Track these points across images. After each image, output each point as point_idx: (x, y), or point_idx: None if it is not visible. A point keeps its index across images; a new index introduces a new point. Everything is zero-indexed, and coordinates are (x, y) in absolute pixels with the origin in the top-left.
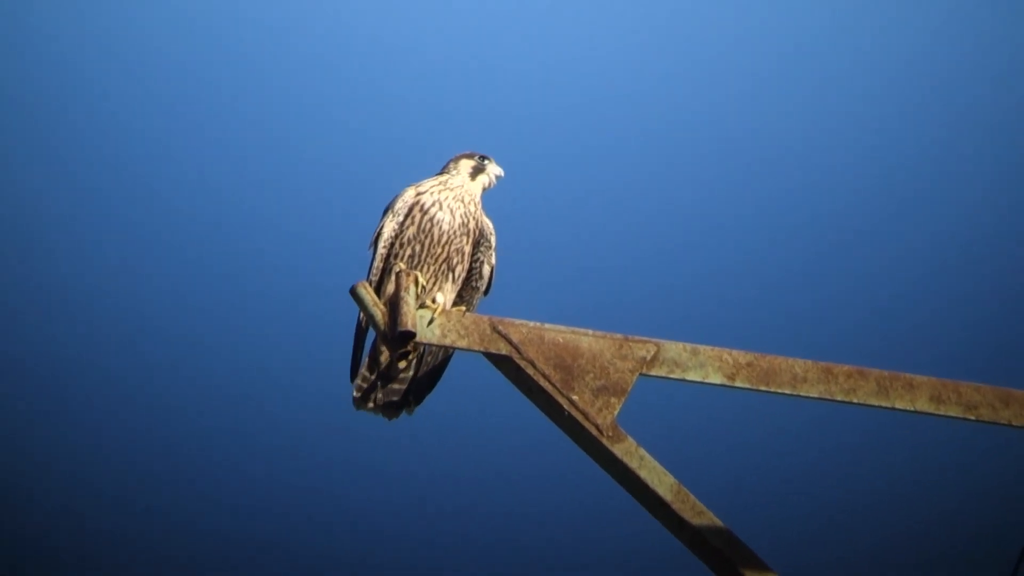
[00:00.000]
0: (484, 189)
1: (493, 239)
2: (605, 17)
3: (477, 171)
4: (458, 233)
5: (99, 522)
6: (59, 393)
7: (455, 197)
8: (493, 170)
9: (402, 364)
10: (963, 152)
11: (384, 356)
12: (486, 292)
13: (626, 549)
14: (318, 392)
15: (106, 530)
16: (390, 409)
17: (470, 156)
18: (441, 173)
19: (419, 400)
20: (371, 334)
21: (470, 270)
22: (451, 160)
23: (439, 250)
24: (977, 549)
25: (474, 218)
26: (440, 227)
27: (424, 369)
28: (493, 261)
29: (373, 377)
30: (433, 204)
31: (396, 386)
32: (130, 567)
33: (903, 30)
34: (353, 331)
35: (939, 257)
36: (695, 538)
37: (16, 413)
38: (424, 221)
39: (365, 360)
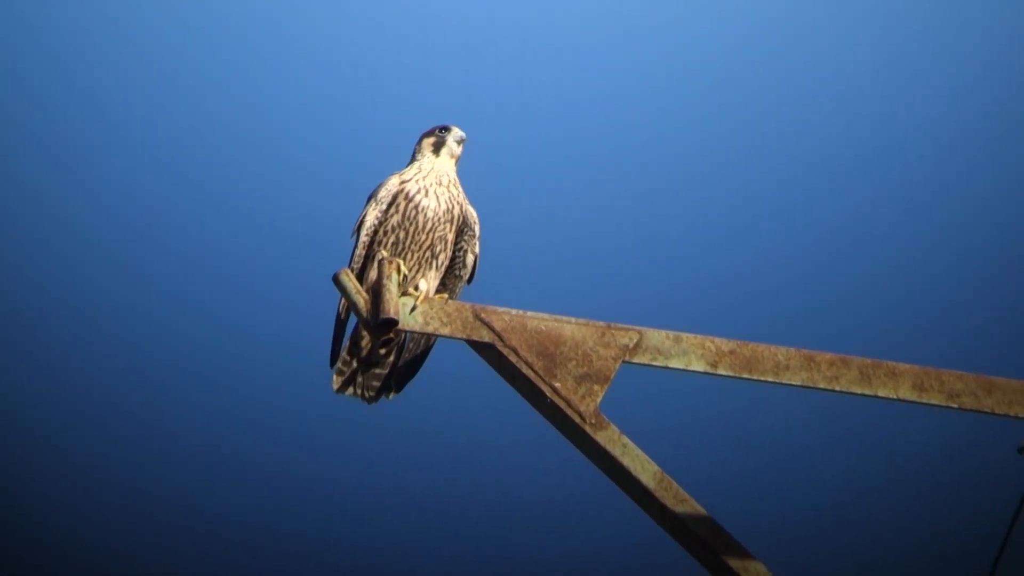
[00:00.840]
0: (454, 160)
1: (477, 228)
2: (589, 10)
3: (439, 145)
4: (442, 220)
5: (83, 516)
6: (41, 384)
7: (436, 181)
8: (452, 137)
9: (383, 351)
10: (946, 146)
11: (365, 343)
12: (469, 281)
13: (609, 537)
14: (298, 378)
15: (91, 524)
16: (369, 392)
17: (428, 133)
18: (412, 160)
19: (400, 388)
20: (352, 321)
21: (453, 258)
22: (416, 145)
23: (423, 237)
24: (961, 539)
25: (458, 203)
26: (424, 214)
27: (405, 357)
28: (477, 250)
29: (354, 363)
30: (418, 191)
31: (377, 371)
32: (112, 560)
33: (900, 31)
34: (333, 318)
35: (922, 245)
36: (678, 526)
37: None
38: (409, 209)
39: (346, 345)
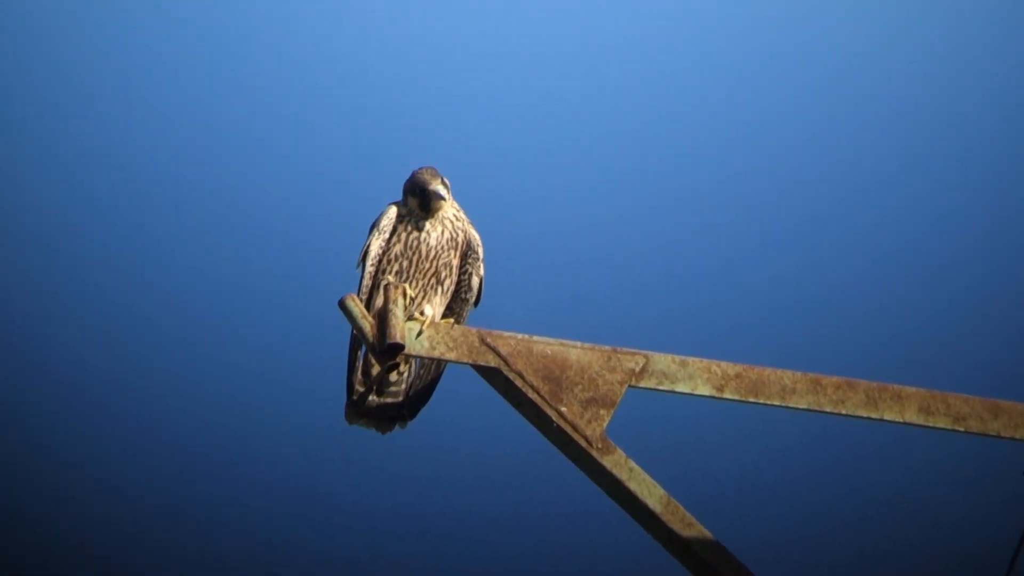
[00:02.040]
0: (443, 209)
1: (480, 250)
2: (594, 28)
3: (424, 205)
4: (445, 248)
5: (86, 531)
6: (44, 403)
7: (430, 223)
8: (432, 197)
9: (392, 376)
10: (955, 161)
11: (376, 369)
12: (476, 303)
13: (616, 561)
14: (313, 406)
15: (96, 536)
16: (383, 422)
17: (411, 191)
18: (405, 201)
19: (413, 414)
20: (362, 351)
21: (459, 282)
22: (404, 191)
23: (427, 265)
24: (967, 562)
25: (460, 230)
26: (427, 243)
27: (419, 383)
28: (482, 272)
29: (365, 390)
30: (417, 226)
31: (390, 400)
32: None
33: (894, 37)
34: (344, 347)
35: (929, 269)
36: (685, 550)
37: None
38: (410, 239)
39: (358, 374)
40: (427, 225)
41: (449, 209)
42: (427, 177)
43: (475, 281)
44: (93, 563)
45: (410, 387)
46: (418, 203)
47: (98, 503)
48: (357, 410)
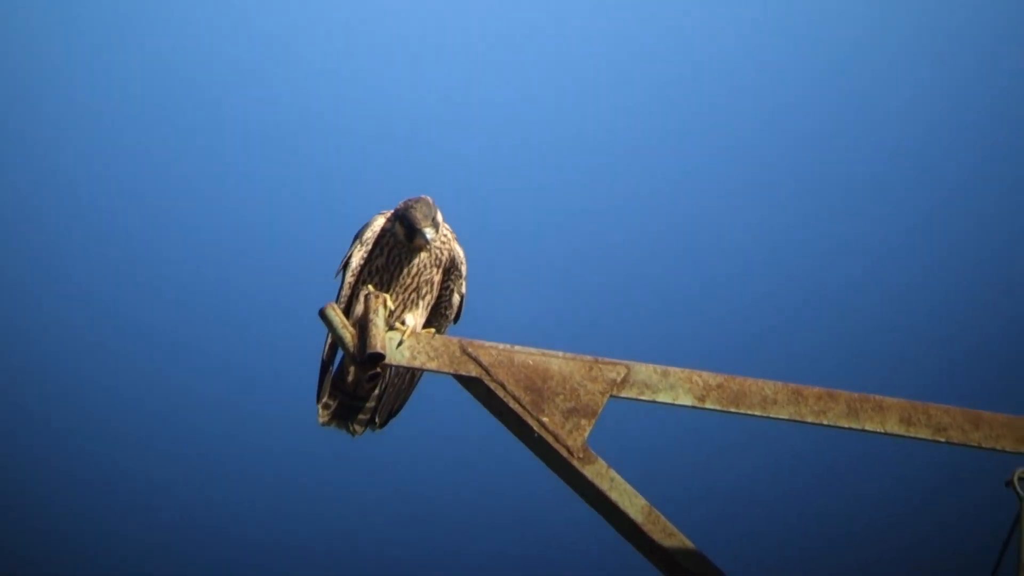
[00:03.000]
0: (428, 244)
1: (464, 268)
2: (576, 32)
3: (410, 236)
4: (428, 265)
5: (72, 539)
6: (34, 404)
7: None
8: (419, 238)
9: (367, 385)
10: (934, 176)
11: (351, 377)
12: (455, 320)
13: (596, 571)
14: (285, 413)
15: (80, 543)
16: (354, 424)
17: (401, 220)
18: (393, 222)
19: (384, 422)
20: (338, 356)
21: (439, 297)
22: (395, 217)
23: (409, 280)
24: (949, 573)
25: (446, 249)
26: (410, 260)
27: (391, 391)
28: (464, 290)
29: (339, 397)
30: (400, 242)
31: (360, 403)
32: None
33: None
34: (318, 353)
35: (909, 279)
36: (667, 560)
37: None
38: (393, 254)
39: (330, 381)
40: (414, 258)
41: (435, 238)
42: (418, 216)
43: (456, 299)
44: (85, 561)
45: (383, 393)
46: (404, 233)
47: (81, 504)
48: (329, 412)
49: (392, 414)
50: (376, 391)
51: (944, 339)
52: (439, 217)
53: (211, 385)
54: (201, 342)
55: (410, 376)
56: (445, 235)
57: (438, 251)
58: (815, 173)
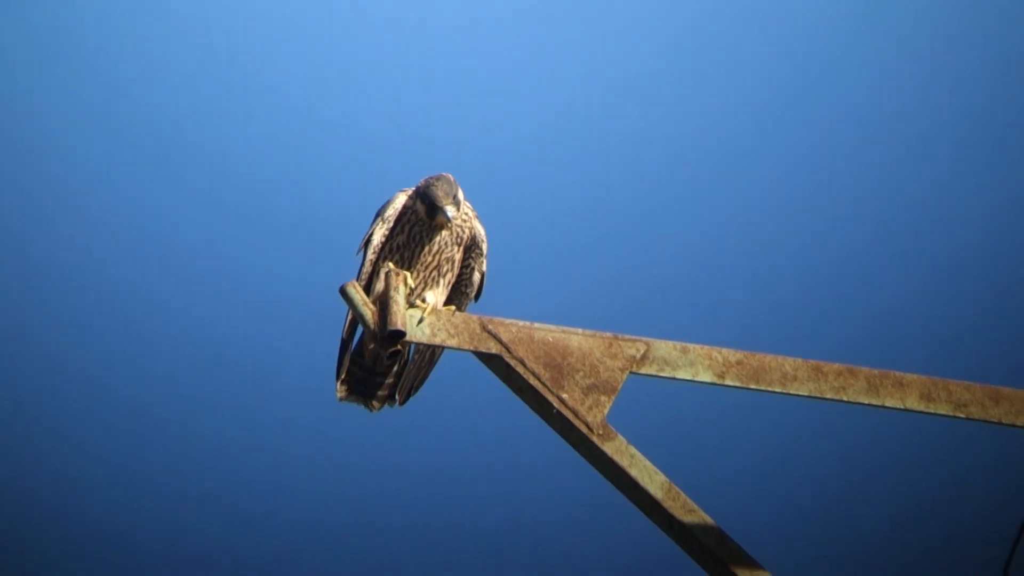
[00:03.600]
0: (449, 222)
1: (485, 246)
2: (594, 15)
3: (431, 214)
4: (449, 243)
5: (89, 522)
6: (54, 397)
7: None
8: (442, 215)
9: (389, 363)
10: (953, 154)
11: (370, 354)
12: (476, 298)
13: (617, 547)
14: (305, 390)
15: (96, 530)
16: (372, 400)
17: (423, 198)
18: (415, 201)
19: (405, 399)
20: (357, 333)
21: (460, 275)
22: (417, 193)
23: (429, 259)
24: (969, 548)
25: (467, 227)
26: (430, 236)
27: (411, 368)
28: (484, 268)
29: (357, 373)
30: (422, 219)
31: (379, 379)
32: (119, 567)
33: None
34: (337, 328)
35: (929, 255)
36: (686, 536)
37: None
38: (414, 232)
39: (349, 357)
40: (435, 236)
41: (457, 216)
42: (439, 194)
43: (476, 277)
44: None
45: (402, 369)
46: (426, 211)
47: (85, 496)
48: (347, 388)
49: (413, 391)
50: (395, 367)
51: (966, 315)
52: (460, 195)
53: (232, 363)
54: (223, 321)
55: (430, 353)
56: (466, 213)
57: (459, 229)
58: (838, 151)
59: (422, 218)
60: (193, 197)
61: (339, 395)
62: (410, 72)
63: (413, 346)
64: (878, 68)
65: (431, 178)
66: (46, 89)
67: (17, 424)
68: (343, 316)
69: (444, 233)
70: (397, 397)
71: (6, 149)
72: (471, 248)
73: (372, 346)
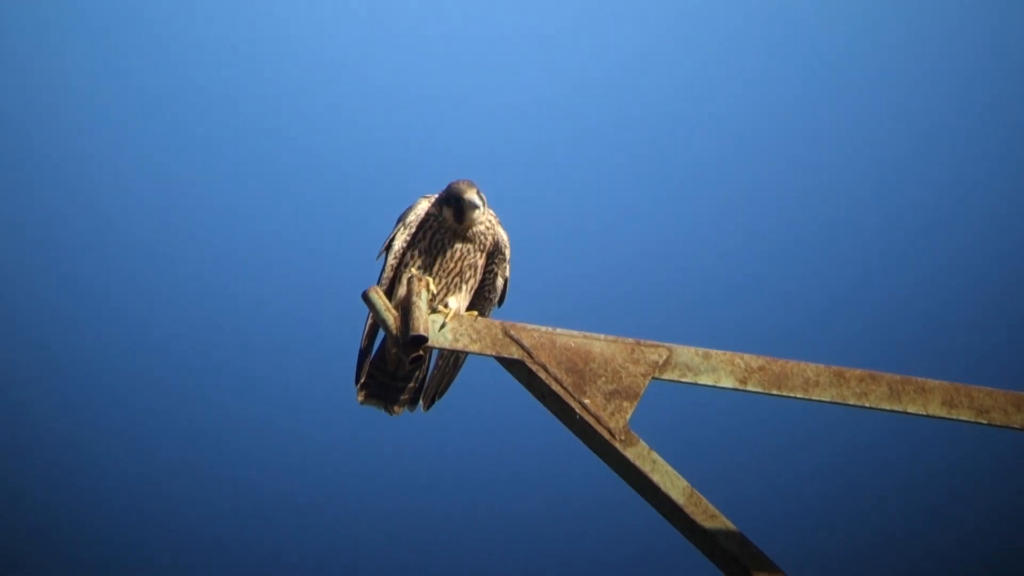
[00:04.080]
0: (478, 219)
1: (508, 252)
2: (620, 18)
3: (459, 215)
4: (471, 250)
5: (107, 523)
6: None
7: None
8: (467, 207)
9: (411, 368)
10: (980, 155)
11: (392, 359)
12: (500, 303)
13: (638, 552)
14: (325, 394)
15: (114, 530)
16: (393, 405)
17: (447, 201)
18: (440, 205)
19: (429, 405)
20: (378, 337)
21: (483, 281)
22: (440, 197)
23: (452, 265)
24: (989, 554)
25: (489, 233)
26: (453, 245)
27: (436, 373)
28: (507, 274)
29: (379, 378)
30: (447, 230)
31: (401, 384)
32: (137, 568)
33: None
34: (360, 335)
35: (952, 262)
36: (707, 541)
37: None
38: (436, 239)
39: (370, 362)
40: (457, 243)
41: (482, 222)
42: (463, 187)
43: (499, 282)
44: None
45: (425, 374)
46: (452, 213)
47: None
48: (367, 392)
49: (437, 396)
50: (417, 373)
51: (988, 321)
52: (483, 196)
53: (254, 365)
54: (245, 323)
55: (454, 359)
56: (489, 219)
57: (482, 236)
58: (857, 155)
59: (450, 225)
60: (214, 202)
61: (360, 399)
62: (435, 78)
63: (436, 352)
64: (918, 69)
65: (452, 183)
66: (72, 102)
67: (46, 428)
68: (363, 320)
69: (466, 240)
70: (422, 403)
71: (7, 150)
72: (494, 254)
73: (394, 351)
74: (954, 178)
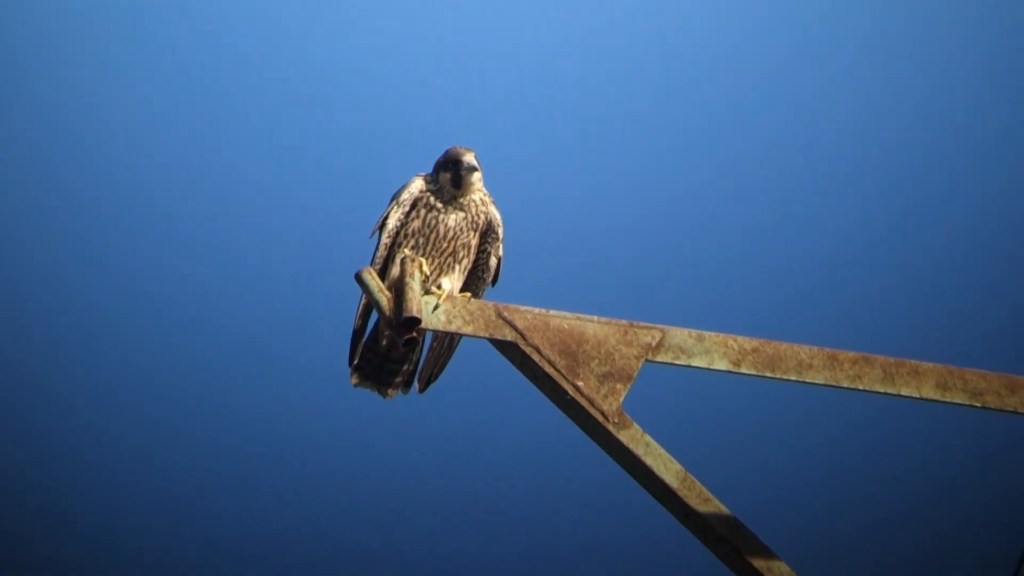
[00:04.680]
0: (477, 182)
1: (501, 231)
2: (611, 4)
3: (456, 181)
4: (464, 228)
5: (104, 516)
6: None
7: (457, 205)
8: (464, 169)
9: (405, 350)
10: (970, 143)
11: (385, 341)
12: (493, 283)
13: (632, 536)
14: (317, 376)
15: (109, 523)
16: (386, 387)
17: (444, 166)
18: (436, 176)
19: (424, 387)
20: (371, 319)
21: (476, 261)
22: (436, 167)
23: (445, 244)
24: (983, 537)
25: (482, 211)
26: (446, 223)
27: (430, 355)
28: (500, 253)
29: (372, 359)
30: (440, 208)
31: (395, 366)
32: (128, 563)
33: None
34: (353, 315)
35: (945, 243)
36: (701, 525)
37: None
38: (429, 217)
39: (365, 343)
40: (450, 210)
41: (478, 192)
42: (461, 150)
43: (493, 261)
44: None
45: (419, 357)
46: (450, 178)
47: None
48: (361, 374)
49: (432, 379)
50: (412, 355)
51: (981, 303)
52: (479, 163)
53: (248, 348)
54: (238, 304)
55: (449, 340)
56: (483, 198)
57: (475, 207)
58: (855, 141)
59: (448, 190)
60: (202, 189)
61: (353, 381)
62: (427, 59)
63: (430, 333)
64: (914, 59)
65: (446, 149)
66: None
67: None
68: (356, 301)
69: (460, 216)
70: (417, 385)
71: (9, 151)
72: (487, 233)
73: (387, 333)
74: (949, 159)
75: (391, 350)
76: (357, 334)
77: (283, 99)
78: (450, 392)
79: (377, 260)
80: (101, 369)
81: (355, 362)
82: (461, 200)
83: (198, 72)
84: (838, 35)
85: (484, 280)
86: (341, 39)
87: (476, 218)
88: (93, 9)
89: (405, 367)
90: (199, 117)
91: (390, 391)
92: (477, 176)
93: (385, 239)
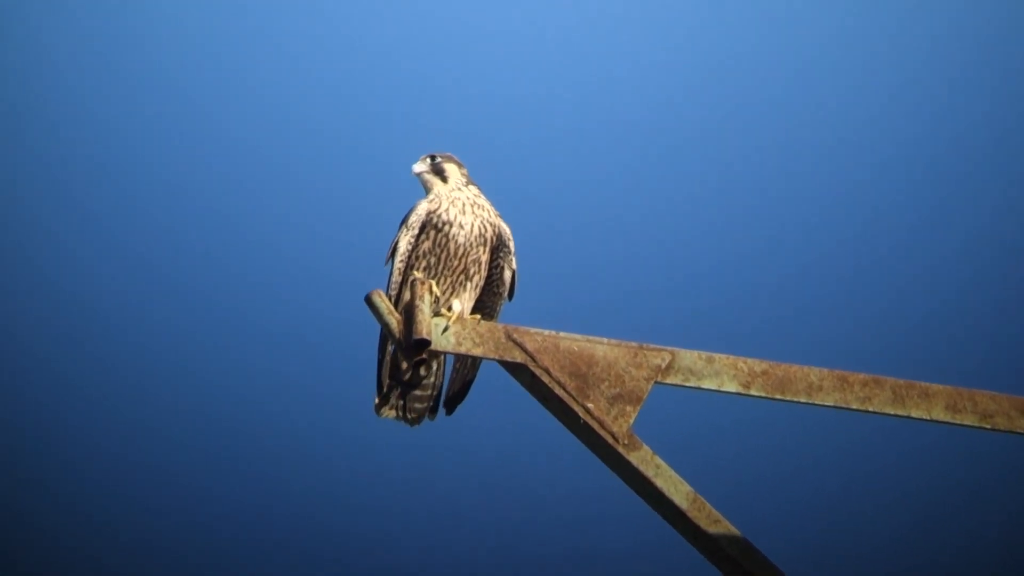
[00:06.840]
0: (464, 178)
1: (512, 243)
2: (624, 16)
3: (439, 171)
4: (474, 244)
5: (105, 519)
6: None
7: (460, 210)
8: (441, 161)
9: (421, 372)
10: (985, 161)
11: (405, 365)
12: (510, 297)
13: (640, 557)
14: (341, 403)
15: (110, 528)
16: (413, 416)
17: (456, 163)
18: (429, 191)
19: (451, 410)
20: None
21: (490, 276)
22: (443, 168)
23: (456, 263)
24: (994, 557)
25: (490, 224)
26: (455, 241)
27: (455, 377)
28: (514, 265)
29: (394, 385)
30: (446, 222)
31: (419, 393)
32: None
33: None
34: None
35: (956, 265)
36: (711, 547)
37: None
38: (439, 237)
39: (386, 369)
40: (448, 191)
41: (474, 189)
42: (436, 153)
43: (507, 275)
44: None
45: (442, 382)
46: (433, 170)
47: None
48: (386, 403)
49: (458, 400)
50: (432, 379)
51: (993, 325)
52: (458, 159)
53: (277, 374)
54: (268, 331)
55: (471, 360)
56: (491, 212)
57: (483, 225)
58: (864, 159)
59: (439, 183)
60: (216, 211)
61: (377, 410)
62: (438, 76)
63: (452, 359)
64: (920, 67)
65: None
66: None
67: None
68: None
69: (471, 227)
70: (444, 409)
71: (9, 152)
72: (498, 247)
73: (398, 355)
74: (960, 179)
75: (413, 376)
76: (381, 364)
77: (297, 121)
78: (459, 414)
79: (392, 285)
80: (103, 392)
81: (382, 392)
82: (454, 194)
83: (202, 94)
84: (868, 48)
85: (500, 295)
86: (351, 62)
87: (484, 231)
88: (93, 8)
89: (430, 392)
90: (209, 135)
91: (416, 418)
92: (454, 168)
93: (398, 263)
